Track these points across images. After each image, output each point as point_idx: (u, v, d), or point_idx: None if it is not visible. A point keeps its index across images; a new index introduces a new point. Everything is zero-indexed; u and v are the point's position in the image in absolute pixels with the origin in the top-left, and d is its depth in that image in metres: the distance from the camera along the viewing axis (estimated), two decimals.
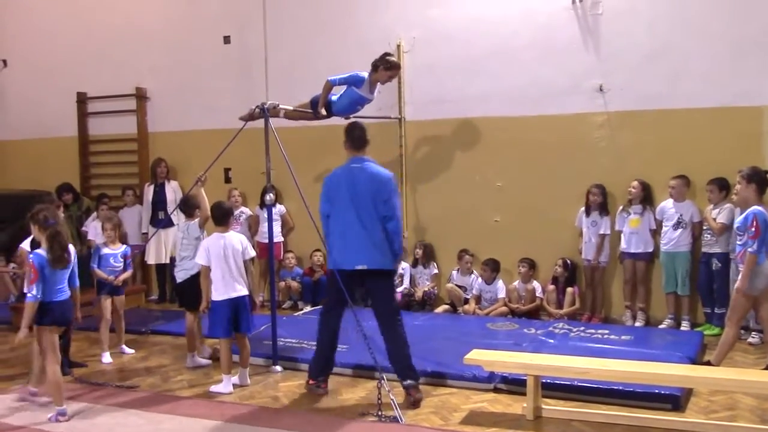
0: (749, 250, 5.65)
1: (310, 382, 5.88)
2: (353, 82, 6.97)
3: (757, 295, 5.73)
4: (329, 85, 7.05)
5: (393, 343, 5.54)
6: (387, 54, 7.09)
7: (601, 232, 7.94)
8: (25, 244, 6.59)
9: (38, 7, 10.86)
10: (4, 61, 11.20)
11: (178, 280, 6.75)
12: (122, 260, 7.05)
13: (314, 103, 7.24)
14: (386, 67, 7.00)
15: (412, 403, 5.43)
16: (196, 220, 6.69)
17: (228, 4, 9.73)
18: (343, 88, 7.14)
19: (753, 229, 5.62)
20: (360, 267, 5.53)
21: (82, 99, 10.60)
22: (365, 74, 7.00)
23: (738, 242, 5.90)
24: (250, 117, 6.84)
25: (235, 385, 5.97)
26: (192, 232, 6.66)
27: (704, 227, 7.46)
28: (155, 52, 10.15)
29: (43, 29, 10.81)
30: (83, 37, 10.53)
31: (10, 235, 9.00)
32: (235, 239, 6.07)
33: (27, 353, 6.99)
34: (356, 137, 5.74)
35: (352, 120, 6.45)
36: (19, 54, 11.07)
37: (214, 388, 5.95)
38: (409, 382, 5.50)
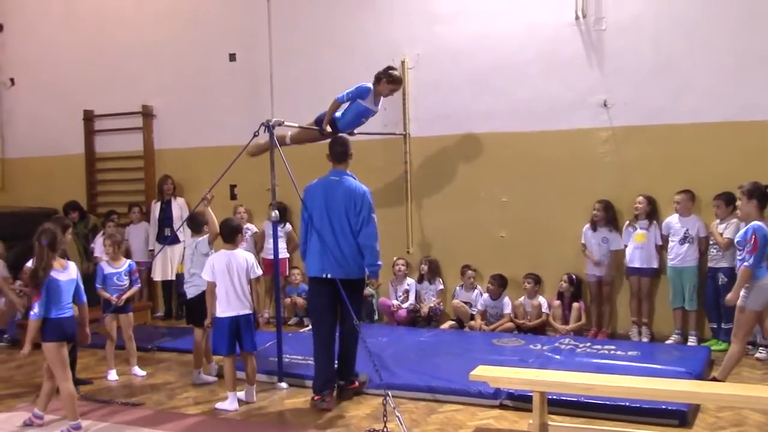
0: (745, 264, 5.68)
1: (315, 398, 5.90)
2: (359, 94, 7.03)
3: (760, 310, 5.72)
4: (337, 104, 7.09)
5: (343, 347, 6.05)
6: (390, 68, 7.16)
7: (613, 248, 7.93)
8: (31, 263, 6.59)
9: (45, 26, 10.95)
10: (12, 80, 11.30)
11: (188, 296, 6.75)
12: (127, 277, 7.03)
13: (319, 122, 7.27)
14: (389, 80, 7.08)
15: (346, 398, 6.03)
16: (205, 236, 6.70)
17: (234, 22, 9.80)
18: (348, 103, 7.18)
19: (751, 243, 5.64)
20: (327, 275, 5.84)
21: (89, 117, 10.67)
22: (370, 85, 7.05)
23: (738, 257, 5.91)
24: (259, 150, 6.94)
25: (241, 402, 5.97)
26: (201, 249, 6.66)
27: (710, 242, 7.45)
28: (161, 70, 10.22)
29: (50, 48, 10.90)
30: (90, 56, 10.61)
31: (17, 253, 9.02)
32: (241, 257, 6.08)
33: (32, 371, 7.05)
34: (337, 152, 6.10)
35: (338, 135, 6.67)
36: (26, 72, 11.16)
37: (219, 405, 5.95)
38: (341, 382, 6.06)
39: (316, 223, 5.95)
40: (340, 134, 6.82)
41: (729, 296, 5.81)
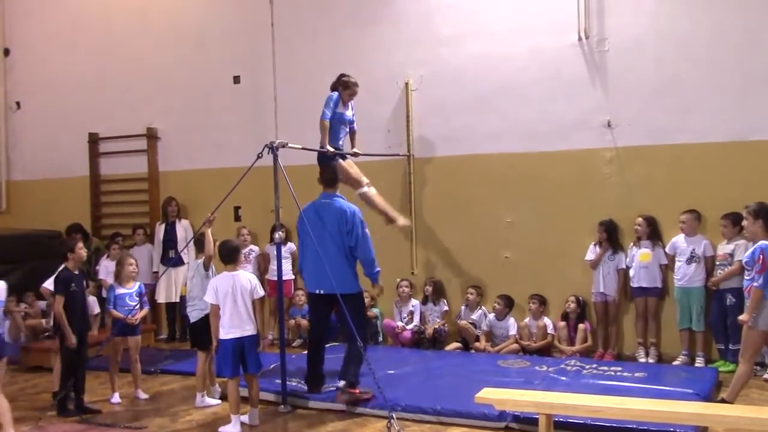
0: (755, 284, 5.63)
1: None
2: (335, 103, 7.30)
3: (767, 330, 5.67)
4: (326, 123, 7.22)
5: (347, 354, 6.36)
6: (342, 75, 7.40)
7: (619, 266, 7.90)
8: (48, 284, 6.75)
9: (51, 50, 11.00)
10: (18, 103, 11.36)
11: (192, 320, 6.71)
12: (137, 299, 7.02)
13: (323, 147, 7.36)
14: (344, 87, 7.46)
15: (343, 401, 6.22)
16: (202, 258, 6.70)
17: (238, 44, 9.85)
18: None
19: (759, 263, 5.60)
20: (318, 291, 6.45)
21: (93, 139, 10.70)
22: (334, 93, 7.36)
23: (746, 277, 5.87)
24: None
25: (244, 425, 5.92)
26: (200, 270, 6.67)
27: (717, 262, 7.40)
28: (166, 93, 10.27)
29: (55, 71, 10.96)
30: (95, 79, 10.67)
31: (21, 275, 9.03)
32: (244, 278, 6.06)
33: (33, 394, 7.02)
34: (327, 178, 6.78)
35: (327, 164, 7.09)
36: (32, 96, 11.22)
37: (223, 428, 5.89)
38: (342, 382, 6.27)
39: (310, 244, 6.36)
40: (329, 162, 7.08)
41: (743, 317, 5.75)
